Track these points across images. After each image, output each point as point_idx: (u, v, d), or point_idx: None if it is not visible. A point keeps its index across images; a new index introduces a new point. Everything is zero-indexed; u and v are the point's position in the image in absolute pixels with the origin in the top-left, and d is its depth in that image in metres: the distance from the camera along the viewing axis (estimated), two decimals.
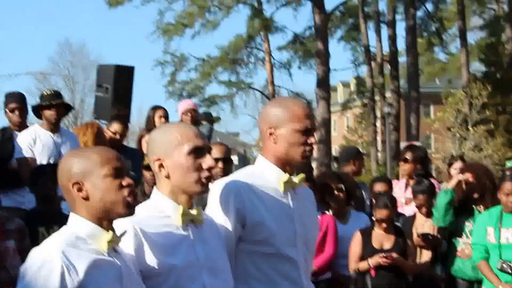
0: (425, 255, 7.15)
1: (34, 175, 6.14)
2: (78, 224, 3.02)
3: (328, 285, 6.80)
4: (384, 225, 6.69)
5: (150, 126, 8.73)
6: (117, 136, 8.31)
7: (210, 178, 3.31)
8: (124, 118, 8.51)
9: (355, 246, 6.73)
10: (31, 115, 8.10)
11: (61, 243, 2.92)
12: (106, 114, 10.01)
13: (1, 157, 7.41)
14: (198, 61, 40.34)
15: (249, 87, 42.09)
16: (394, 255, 6.53)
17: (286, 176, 3.64)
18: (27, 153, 7.39)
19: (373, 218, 6.86)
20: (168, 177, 3.31)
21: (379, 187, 7.90)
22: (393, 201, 6.85)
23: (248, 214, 3.53)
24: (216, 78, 40.81)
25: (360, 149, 10.73)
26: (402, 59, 40.19)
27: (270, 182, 3.65)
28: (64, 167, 3.05)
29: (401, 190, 8.31)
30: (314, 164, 30.63)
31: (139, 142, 8.18)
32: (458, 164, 8.78)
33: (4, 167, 7.31)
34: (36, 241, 5.55)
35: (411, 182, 8.07)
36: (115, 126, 8.22)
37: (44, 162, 7.29)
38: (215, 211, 3.56)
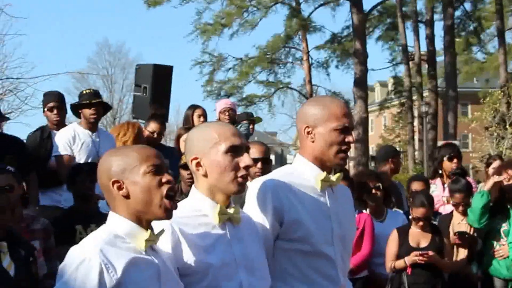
0: (461, 254, 7.09)
1: (72, 174, 6.16)
2: (117, 223, 3.03)
3: (364, 283, 6.80)
4: (421, 223, 6.64)
5: (188, 124, 8.72)
6: (155, 135, 8.34)
7: (246, 177, 3.29)
8: (161, 117, 8.53)
9: (392, 244, 6.69)
10: (69, 115, 8.15)
11: (100, 241, 2.93)
12: (144, 114, 10.02)
13: (40, 156, 7.45)
14: (236, 61, 40.32)
15: (287, 86, 42.03)
16: (431, 253, 6.48)
17: (323, 175, 3.62)
18: (65, 151, 7.40)
19: (410, 217, 6.81)
20: (205, 175, 3.30)
21: (416, 185, 7.83)
22: (430, 200, 6.79)
23: (286, 212, 3.51)
24: (254, 77, 40.79)
25: (397, 148, 10.62)
26: (440, 58, 39.91)
27: (307, 180, 3.64)
28: (104, 166, 3.06)
29: (440, 189, 8.23)
30: (351, 163, 30.56)
31: (177, 140, 8.18)
32: (496, 163, 8.66)
33: (42, 165, 7.35)
34: (73, 239, 5.62)
35: (448, 181, 7.98)
36: (153, 126, 8.25)
37: (83, 160, 7.30)
38: (252, 209, 3.55)
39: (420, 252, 6.47)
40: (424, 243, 6.64)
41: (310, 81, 39.98)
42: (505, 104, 35.56)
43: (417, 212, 6.63)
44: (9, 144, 6.92)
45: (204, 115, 9.00)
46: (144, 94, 10.49)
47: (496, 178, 6.88)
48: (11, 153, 6.75)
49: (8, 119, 7.41)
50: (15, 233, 4.73)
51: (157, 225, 3.10)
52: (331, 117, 3.58)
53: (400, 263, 6.56)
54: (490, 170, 8.65)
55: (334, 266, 3.61)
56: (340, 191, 3.80)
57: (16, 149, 6.89)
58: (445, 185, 8.08)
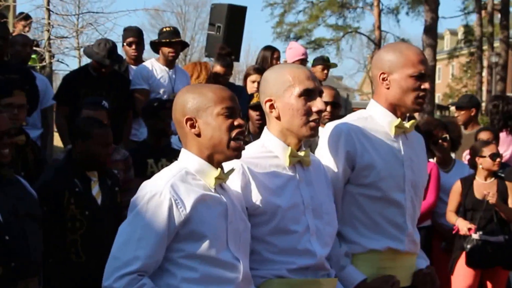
0: None
1: (154, 109, 6.17)
2: (188, 160, 3.04)
3: (427, 232, 6.71)
4: (486, 174, 6.54)
5: (266, 65, 8.60)
6: (220, 79, 8.17)
7: (318, 121, 3.26)
8: (227, 57, 8.39)
9: (454, 195, 6.59)
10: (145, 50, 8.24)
11: (171, 177, 2.96)
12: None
13: None
14: (306, 4, 40.28)
15: (355, 31, 41.69)
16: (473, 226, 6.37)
17: (398, 121, 3.58)
18: (142, 85, 7.49)
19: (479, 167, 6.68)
20: (278, 118, 3.28)
21: (483, 135, 7.67)
22: (498, 151, 6.65)
23: (358, 157, 3.49)
24: (323, 21, 40.54)
25: None
26: None
27: (381, 126, 3.60)
28: (180, 102, 3.06)
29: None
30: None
31: (245, 80, 8.12)
32: None
33: None
34: (144, 173, 5.71)
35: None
36: (217, 68, 8.09)
37: (159, 96, 7.37)
38: (324, 153, 3.54)
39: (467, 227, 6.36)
40: (489, 195, 6.50)
41: (379, 27, 39.51)
42: None
43: (486, 162, 6.50)
44: (118, 80, 7.23)
45: (279, 57, 8.92)
46: (218, 33, 10.50)
47: None
48: (117, 89, 6.91)
49: (122, 60, 7.56)
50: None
51: (227, 165, 3.11)
52: (407, 64, 3.52)
53: (451, 219, 6.51)
54: None
55: (403, 213, 3.58)
56: (414, 138, 3.75)
57: (121, 86, 7.11)
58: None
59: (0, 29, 6.88)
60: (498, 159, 6.52)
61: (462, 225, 6.40)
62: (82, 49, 16.27)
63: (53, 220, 4.57)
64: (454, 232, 6.48)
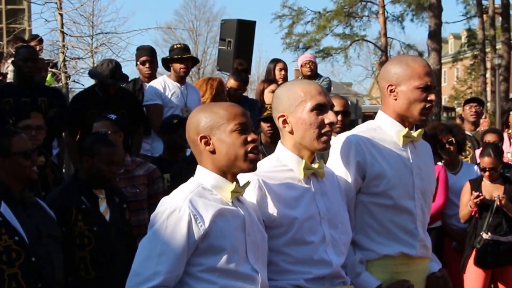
0: None
1: (173, 126, 6.17)
2: (204, 176, 3.04)
3: (438, 233, 6.70)
4: (487, 173, 6.50)
5: (270, 77, 8.71)
6: (232, 92, 8.14)
7: (330, 134, 3.27)
8: (242, 73, 8.38)
9: (465, 196, 6.56)
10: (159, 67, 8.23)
11: (189, 193, 2.95)
12: (228, 66, 10.11)
13: None
14: (314, 15, 40.17)
15: (362, 39, 41.61)
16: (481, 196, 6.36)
17: (405, 130, 3.58)
18: (155, 101, 7.49)
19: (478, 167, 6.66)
20: (291, 132, 3.29)
21: (489, 137, 7.62)
22: (498, 151, 6.62)
23: (368, 167, 3.49)
24: (331, 30, 40.52)
25: None
26: None
27: (389, 136, 3.60)
28: (193, 121, 3.07)
29: (507, 143, 7.96)
30: None
31: (261, 94, 8.11)
32: None
33: None
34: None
35: None
36: (231, 82, 8.10)
37: (172, 111, 7.36)
38: (336, 164, 3.54)
39: (475, 194, 6.36)
40: (497, 194, 6.48)
41: (385, 34, 39.42)
42: None
43: (484, 162, 6.50)
44: (126, 99, 7.14)
45: (285, 68, 9.02)
46: (228, 48, 10.53)
47: None
48: (125, 108, 6.89)
49: (127, 79, 7.50)
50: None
51: (243, 178, 3.11)
52: (414, 76, 3.52)
53: (465, 211, 6.47)
54: None
55: (414, 220, 3.58)
56: (421, 146, 3.75)
57: (130, 104, 7.08)
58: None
59: (29, 52, 6.86)
60: (493, 172, 6.52)
61: (472, 201, 6.38)
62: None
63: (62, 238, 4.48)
64: (472, 214, 6.44)
